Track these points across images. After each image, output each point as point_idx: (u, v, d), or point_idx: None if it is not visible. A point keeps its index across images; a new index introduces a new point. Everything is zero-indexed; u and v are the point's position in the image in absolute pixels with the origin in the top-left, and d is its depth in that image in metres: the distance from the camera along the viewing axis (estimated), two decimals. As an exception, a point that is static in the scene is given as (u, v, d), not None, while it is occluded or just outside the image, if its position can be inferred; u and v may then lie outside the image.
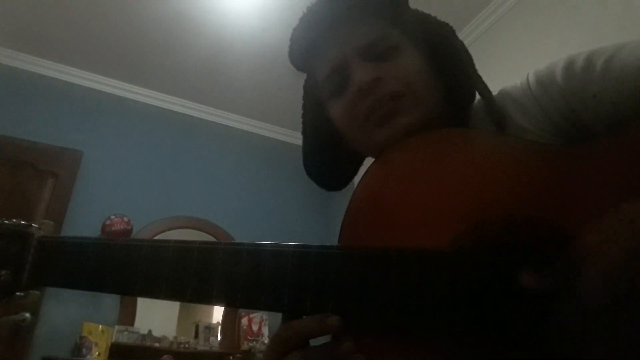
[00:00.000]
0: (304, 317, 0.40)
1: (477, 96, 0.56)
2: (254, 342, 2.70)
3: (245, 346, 2.68)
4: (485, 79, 0.56)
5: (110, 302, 2.49)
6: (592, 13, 1.85)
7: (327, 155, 0.63)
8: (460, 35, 2.54)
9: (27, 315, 1.91)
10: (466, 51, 0.56)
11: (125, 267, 0.45)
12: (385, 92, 0.52)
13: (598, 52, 0.47)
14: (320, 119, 0.60)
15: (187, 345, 2.60)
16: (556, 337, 0.35)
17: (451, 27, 0.57)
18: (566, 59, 0.49)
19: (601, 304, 0.32)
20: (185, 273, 0.43)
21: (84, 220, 2.50)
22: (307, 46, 0.58)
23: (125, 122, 2.98)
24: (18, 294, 0.46)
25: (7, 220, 0.47)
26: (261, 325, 2.79)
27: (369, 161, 0.50)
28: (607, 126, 0.45)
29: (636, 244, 0.31)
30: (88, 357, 2.27)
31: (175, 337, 2.64)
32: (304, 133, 0.64)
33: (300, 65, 0.62)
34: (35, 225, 0.48)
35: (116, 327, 2.45)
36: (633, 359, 0.31)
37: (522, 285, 0.36)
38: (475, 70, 0.56)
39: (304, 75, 0.64)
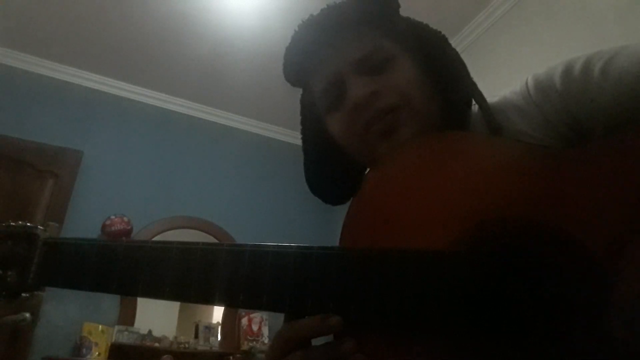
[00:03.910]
0: (305, 317, 0.41)
1: (475, 104, 0.56)
2: (254, 342, 2.70)
3: (245, 346, 2.69)
4: (484, 80, 0.57)
5: (110, 302, 2.50)
6: (591, 14, 1.85)
7: (328, 170, 0.62)
8: (459, 37, 2.55)
9: (27, 315, 1.90)
10: (460, 59, 0.56)
11: (129, 268, 0.45)
12: (382, 106, 0.52)
13: (596, 57, 0.47)
14: (319, 134, 0.60)
15: (187, 345, 2.60)
16: (557, 338, 0.35)
17: (443, 35, 0.57)
18: (565, 64, 0.49)
19: (621, 333, 0.32)
20: (188, 274, 0.43)
21: (84, 220, 2.51)
22: (301, 63, 0.58)
23: (125, 122, 2.99)
24: (23, 294, 0.47)
25: (13, 222, 0.48)
26: (261, 325, 2.79)
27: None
28: (606, 130, 0.45)
29: None
30: (88, 357, 2.27)
31: (175, 337, 2.65)
32: (304, 149, 0.63)
33: (295, 81, 0.61)
34: (41, 227, 0.48)
35: (116, 327, 2.46)
36: None
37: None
38: (469, 78, 0.56)
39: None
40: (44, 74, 2.84)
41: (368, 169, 0.48)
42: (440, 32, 0.57)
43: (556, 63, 0.51)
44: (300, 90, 0.64)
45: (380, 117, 0.52)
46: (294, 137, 3.31)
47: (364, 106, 0.52)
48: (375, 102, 0.52)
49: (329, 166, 0.62)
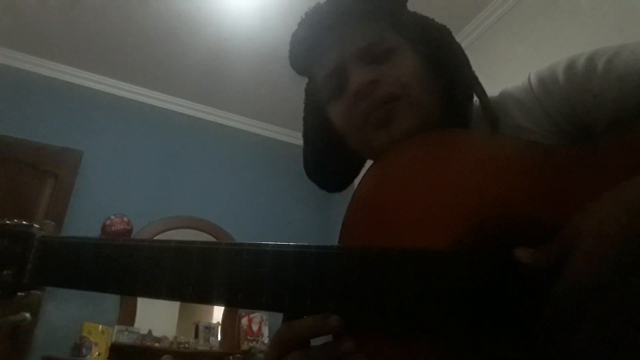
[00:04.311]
0: (304, 317, 0.40)
1: (476, 99, 0.56)
2: (254, 342, 2.70)
3: (245, 346, 2.69)
4: (484, 79, 0.57)
5: (110, 302, 2.50)
6: (591, 14, 1.85)
7: (328, 157, 0.63)
8: (460, 36, 2.55)
9: (27, 315, 1.90)
10: (463, 53, 0.56)
11: (126, 267, 0.45)
12: (381, 95, 0.52)
13: (599, 53, 0.47)
14: (320, 121, 0.61)
15: (187, 345, 2.60)
16: (550, 332, 0.35)
17: (448, 30, 0.57)
18: (568, 60, 0.49)
19: (594, 283, 0.32)
20: (186, 273, 0.43)
21: (84, 220, 2.51)
22: (306, 50, 0.58)
23: (125, 122, 2.99)
24: (19, 293, 0.46)
25: (9, 220, 0.47)
26: (261, 325, 2.79)
27: (370, 162, 0.50)
28: (608, 126, 0.45)
29: (635, 223, 0.32)
30: (88, 357, 2.27)
31: (175, 337, 2.65)
32: (305, 135, 0.64)
33: (300, 69, 0.62)
34: (37, 226, 0.48)
35: (116, 327, 2.45)
36: (623, 341, 0.32)
37: (517, 260, 0.36)
38: (472, 72, 0.56)
39: (305, 78, 0.64)
40: (44, 74, 2.84)
41: (368, 165, 0.48)
42: (445, 26, 0.57)
43: (559, 59, 0.50)
44: (300, 88, 0.65)
45: (379, 106, 0.52)
46: (294, 137, 3.31)
47: (364, 94, 0.52)
48: (374, 91, 0.52)
49: (328, 153, 0.62)
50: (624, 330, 0.32)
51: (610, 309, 0.32)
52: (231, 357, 2.62)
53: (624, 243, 0.32)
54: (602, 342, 0.32)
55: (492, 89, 0.58)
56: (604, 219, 0.33)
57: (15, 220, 0.47)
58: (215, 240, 2.75)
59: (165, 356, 2.41)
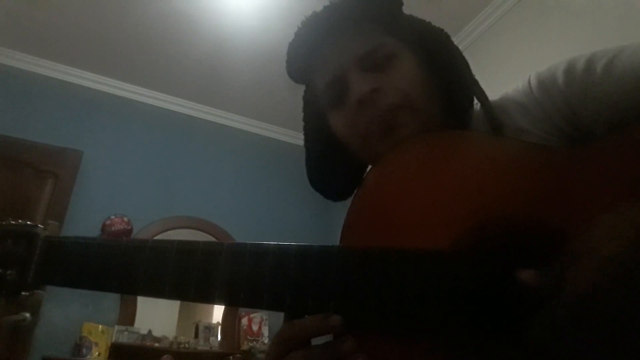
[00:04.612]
0: (305, 316, 0.41)
1: (477, 102, 0.56)
2: (254, 342, 2.70)
3: (245, 346, 2.69)
4: (484, 80, 0.57)
5: (110, 302, 2.50)
6: (591, 15, 1.85)
7: (330, 166, 0.62)
8: (460, 36, 2.55)
9: (27, 315, 1.90)
10: (462, 57, 0.56)
11: (129, 267, 0.45)
12: (383, 104, 0.52)
13: (599, 55, 0.47)
14: (321, 130, 0.60)
15: (187, 345, 2.60)
16: (549, 335, 0.35)
17: (446, 33, 0.57)
18: (567, 61, 0.49)
19: (594, 302, 0.32)
20: (189, 273, 0.43)
21: (84, 220, 2.50)
22: (304, 58, 0.58)
23: (125, 122, 2.99)
24: (23, 293, 0.47)
25: (13, 220, 0.48)
26: (261, 325, 2.79)
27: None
28: (608, 128, 0.45)
29: (637, 245, 0.32)
30: (88, 357, 2.27)
31: (175, 337, 2.65)
32: (306, 145, 0.64)
33: (298, 77, 0.61)
34: (41, 226, 0.48)
35: (116, 327, 2.45)
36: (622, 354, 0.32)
37: (520, 282, 0.36)
38: (472, 76, 0.56)
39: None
40: (44, 74, 2.84)
41: (370, 167, 0.48)
42: (443, 29, 0.57)
43: (559, 61, 0.51)
44: (300, 88, 0.65)
45: (381, 114, 0.52)
46: (294, 137, 3.31)
47: (366, 103, 0.52)
48: (376, 100, 0.52)
49: (331, 162, 0.62)
50: (624, 338, 0.32)
51: (607, 319, 0.32)
52: (231, 357, 2.62)
53: (628, 258, 0.31)
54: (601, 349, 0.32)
55: (492, 90, 0.58)
56: (606, 240, 0.33)
57: (20, 221, 0.48)
58: (215, 240, 2.75)
59: (165, 356, 2.41)
